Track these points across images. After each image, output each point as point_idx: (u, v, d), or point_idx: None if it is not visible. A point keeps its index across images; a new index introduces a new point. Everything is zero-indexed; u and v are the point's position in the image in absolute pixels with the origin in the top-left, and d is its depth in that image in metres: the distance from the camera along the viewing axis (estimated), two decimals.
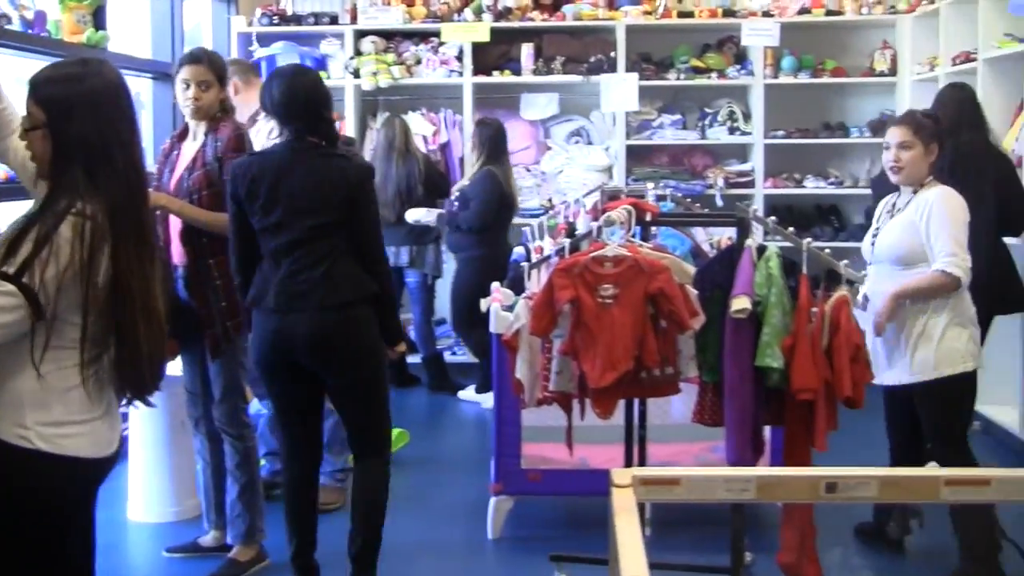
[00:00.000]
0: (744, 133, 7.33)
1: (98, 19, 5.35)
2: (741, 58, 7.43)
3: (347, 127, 7.29)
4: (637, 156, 7.38)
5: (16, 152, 2.82)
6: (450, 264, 6.93)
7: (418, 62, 7.42)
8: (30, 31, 4.74)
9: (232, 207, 3.62)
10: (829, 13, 7.34)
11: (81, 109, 2.43)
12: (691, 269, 3.69)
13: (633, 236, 3.72)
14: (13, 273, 2.30)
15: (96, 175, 2.42)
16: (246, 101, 4.73)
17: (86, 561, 2.62)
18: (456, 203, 6.55)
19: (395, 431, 5.71)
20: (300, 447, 3.74)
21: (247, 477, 4.10)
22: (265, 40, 7.36)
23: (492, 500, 4.44)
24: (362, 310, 3.59)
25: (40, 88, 2.48)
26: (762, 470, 3.15)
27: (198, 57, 4.09)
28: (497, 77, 7.33)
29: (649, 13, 7.31)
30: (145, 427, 4.59)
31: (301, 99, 3.59)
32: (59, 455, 2.40)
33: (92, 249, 2.36)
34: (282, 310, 3.54)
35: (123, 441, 2.63)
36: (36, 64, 3.79)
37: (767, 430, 3.81)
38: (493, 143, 6.55)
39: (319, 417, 3.83)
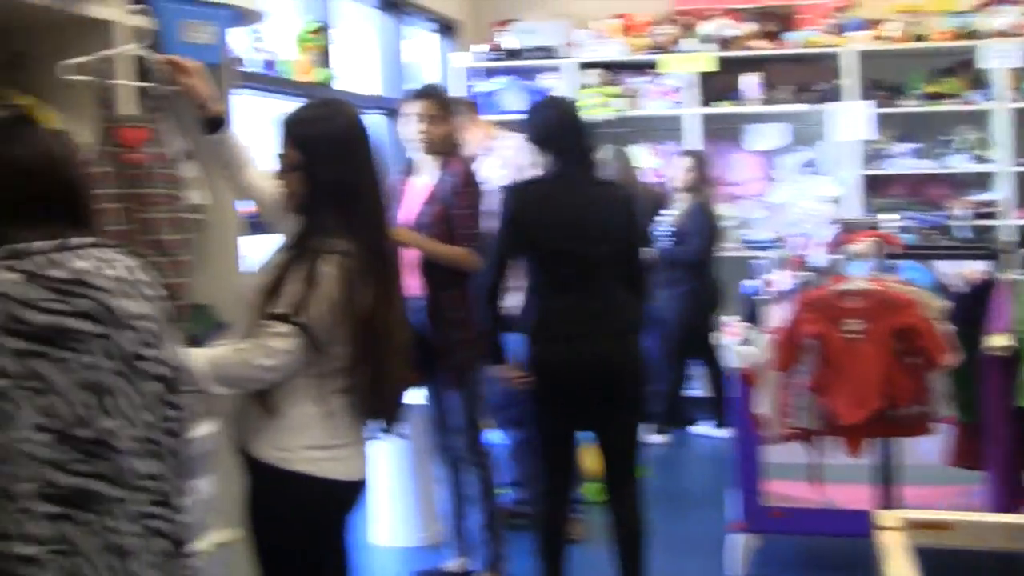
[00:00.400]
0: (987, 161, 7.01)
1: (325, 59, 5.59)
2: (980, 82, 7.12)
3: None
4: (871, 186, 7.16)
5: (253, 187, 2.94)
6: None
7: (640, 94, 7.44)
8: (266, 72, 4.99)
9: (505, 232, 3.62)
10: None
11: (333, 149, 2.57)
12: (939, 303, 3.57)
13: (881, 269, 3.63)
14: (287, 312, 2.44)
15: (347, 212, 2.54)
16: (468, 138, 4.80)
17: None
18: (672, 238, 6.51)
19: None
20: (559, 479, 3.75)
21: (489, 505, 4.19)
22: (484, 74, 7.54)
23: (736, 537, 4.36)
24: (637, 336, 3.62)
25: (294, 129, 2.61)
26: None
27: (427, 92, 4.21)
28: (721, 107, 7.28)
29: (879, 38, 7.11)
30: (389, 454, 4.76)
31: (574, 128, 3.66)
32: (317, 477, 2.53)
33: (351, 285, 2.48)
34: (568, 338, 3.53)
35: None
36: (266, 103, 4.00)
37: None
38: (700, 175, 6.53)
39: (576, 450, 3.83)
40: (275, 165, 2.66)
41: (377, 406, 2.62)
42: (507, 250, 3.62)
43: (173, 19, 3.00)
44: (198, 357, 2.41)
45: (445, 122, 4.13)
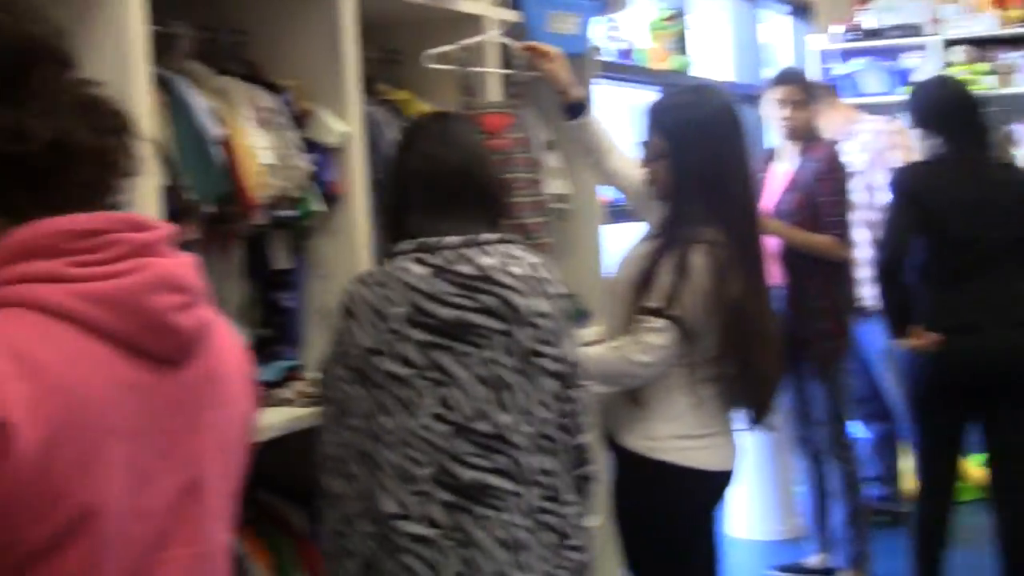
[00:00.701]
0: None
1: (680, 44, 5.55)
2: None
3: None
4: None
5: (618, 173, 2.90)
6: None
7: (1014, 71, 6.90)
8: (623, 61, 5.01)
9: (899, 215, 3.45)
10: None
11: (700, 137, 2.50)
12: None
13: None
14: (661, 306, 2.42)
15: (714, 201, 2.48)
16: (827, 123, 4.62)
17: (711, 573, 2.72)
18: None
19: None
20: (942, 478, 3.55)
21: (853, 500, 4.03)
22: (841, 56, 7.24)
23: None
24: None
25: (661, 118, 2.58)
26: None
27: (791, 76, 4.14)
28: None
29: None
30: (749, 445, 4.67)
31: (966, 107, 3.49)
32: (687, 467, 2.49)
33: (721, 275, 2.43)
34: (966, 329, 3.35)
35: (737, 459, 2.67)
36: (623, 93, 3.99)
37: None
38: None
39: (961, 452, 3.63)
40: (640, 153, 2.65)
41: (745, 396, 2.56)
42: (897, 237, 3.44)
43: (540, 10, 3.06)
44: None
45: (807, 107, 4.07)
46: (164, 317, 1.03)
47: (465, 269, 1.89)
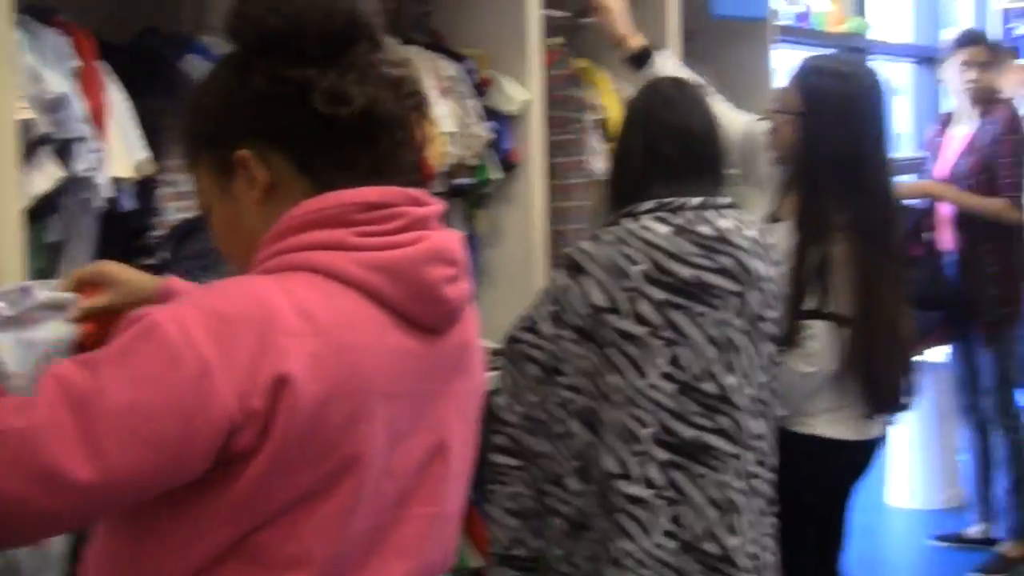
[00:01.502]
0: None
1: (859, 6, 5.45)
2: None
3: None
4: None
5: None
6: None
7: None
8: (800, 25, 4.94)
9: None
10: None
11: (837, 109, 2.37)
12: None
13: None
14: (817, 308, 2.32)
15: (849, 185, 2.36)
16: (1004, 84, 4.47)
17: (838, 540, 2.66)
18: None
19: None
20: None
21: (1018, 470, 3.94)
22: None
23: None
24: None
25: (804, 76, 2.46)
26: None
27: (977, 38, 4.06)
28: None
29: None
30: (910, 413, 4.60)
31: None
32: (824, 438, 2.42)
33: (855, 265, 2.34)
34: None
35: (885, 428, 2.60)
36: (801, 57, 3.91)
37: None
38: None
39: None
40: (774, 103, 2.57)
41: (871, 379, 2.43)
42: None
43: None
44: None
45: (991, 69, 3.99)
46: (436, 288, 1.10)
47: (704, 230, 1.92)
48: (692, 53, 3.05)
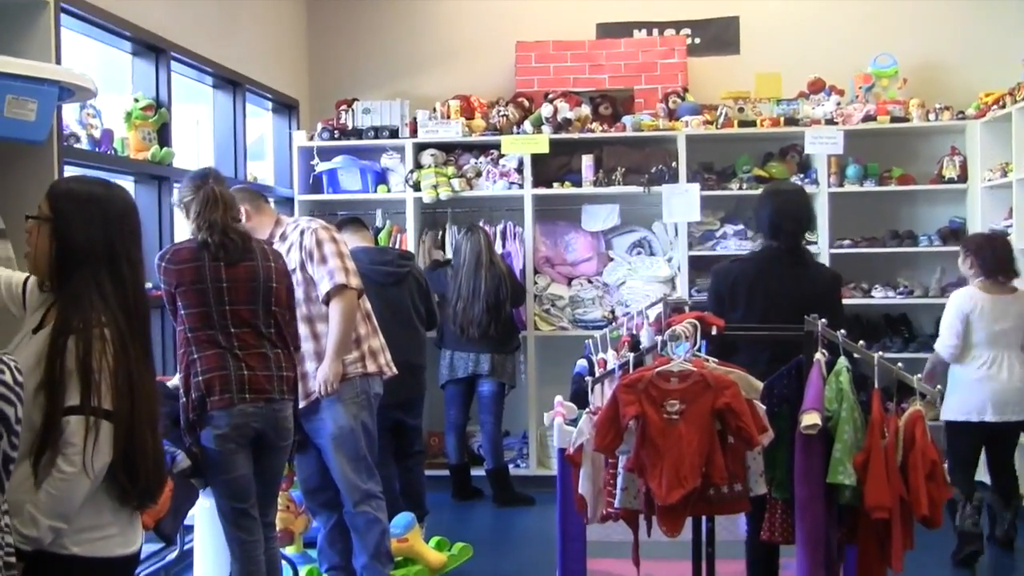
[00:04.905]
0: (810, 243, 7.24)
1: (163, 136, 5.47)
2: (805, 167, 7.41)
3: (408, 241, 7.36)
4: (700, 267, 7.31)
5: None
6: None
7: (478, 175, 7.48)
8: (97, 149, 4.85)
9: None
10: (895, 120, 7.23)
11: (93, 215, 2.59)
12: (759, 384, 3.62)
13: (699, 350, 3.67)
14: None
15: (103, 282, 2.54)
16: (258, 226, 4.58)
17: None
18: None
19: (458, 545, 5.65)
20: None
21: None
22: (326, 154, 7.51)
23: None
24: None
25: (51, 188, 2.68)
26: None
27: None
28: (557, 189, 7.37)
29: (710, 123, 7.32)
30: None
31: (806, 215, 4.44)
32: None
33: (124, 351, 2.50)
34: None
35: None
36: None
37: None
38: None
39: None
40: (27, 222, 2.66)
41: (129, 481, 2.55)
42: None
43: None
44: None
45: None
46: None
47: None
48: None
